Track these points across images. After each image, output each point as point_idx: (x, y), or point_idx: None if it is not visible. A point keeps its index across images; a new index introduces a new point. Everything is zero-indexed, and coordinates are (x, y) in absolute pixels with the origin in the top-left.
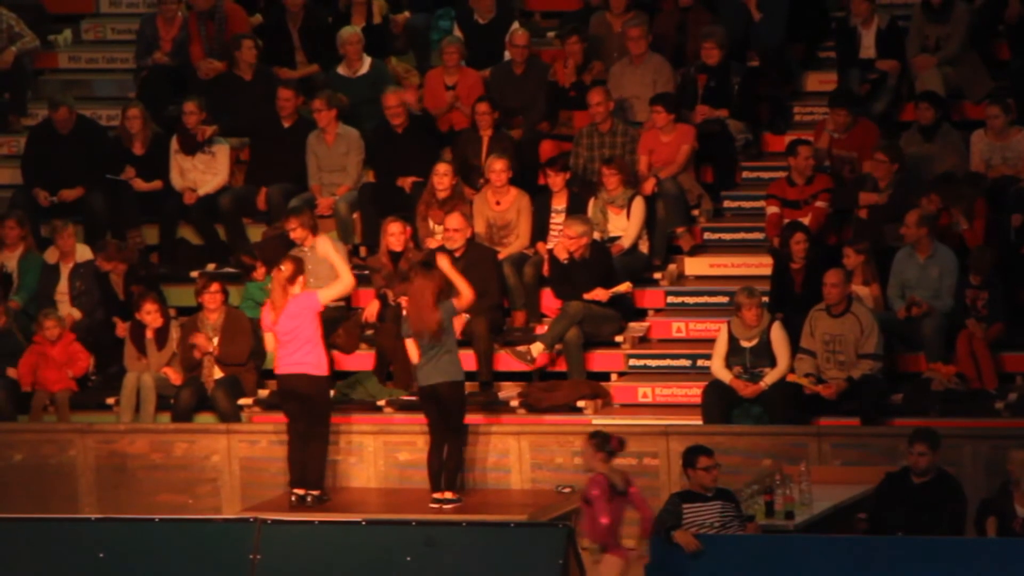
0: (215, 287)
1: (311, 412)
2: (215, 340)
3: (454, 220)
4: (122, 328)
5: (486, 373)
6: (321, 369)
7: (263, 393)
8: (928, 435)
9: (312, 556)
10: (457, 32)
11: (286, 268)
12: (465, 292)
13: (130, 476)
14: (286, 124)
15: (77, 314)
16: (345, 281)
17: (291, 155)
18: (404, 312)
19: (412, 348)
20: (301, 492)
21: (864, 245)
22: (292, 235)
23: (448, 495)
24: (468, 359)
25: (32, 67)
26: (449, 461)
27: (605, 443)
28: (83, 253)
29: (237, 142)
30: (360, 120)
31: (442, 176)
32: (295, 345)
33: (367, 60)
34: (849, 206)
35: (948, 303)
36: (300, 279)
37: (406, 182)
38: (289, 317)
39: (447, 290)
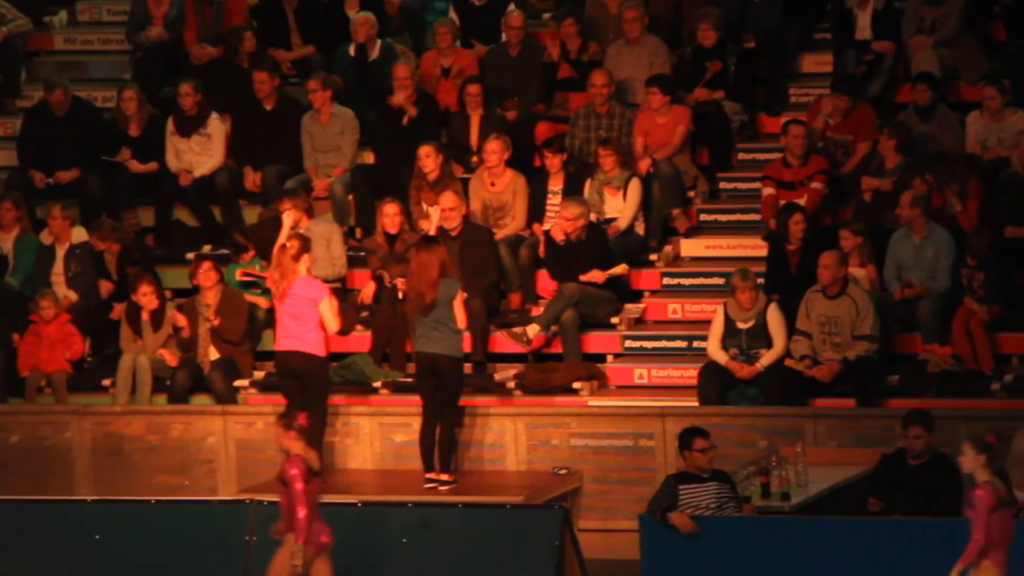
0: (207, 266)
1: (308, 391)
2: (212, 320)
3: (448, 199)
4: (116, 309)
5: (481, 353)
6: (319, 349)
7: (259, 375)
8: (923, 417)
9: None
10: (452, 14)
11: (292, 245)
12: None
13: (126, 458)
14: (267, 106)
15: (73, 296)
16: (331, 327)
17: (276, 137)
18: (400, 293)
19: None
20: None
21: (860, 226)
22: (285, 216)
23: (444, 476)
24: (464, 338)
25: (25, 48)
26: (443, 440)
27: (292, 421)
28: (79, 235)
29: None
30: (372, 102)
31: (425, 159)
32: (295, 323)
33: (377, 43)
34: (851, 189)
35: (944, 284)
36: (305, 257)
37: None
38: (293, 297)
39: (449, 266)
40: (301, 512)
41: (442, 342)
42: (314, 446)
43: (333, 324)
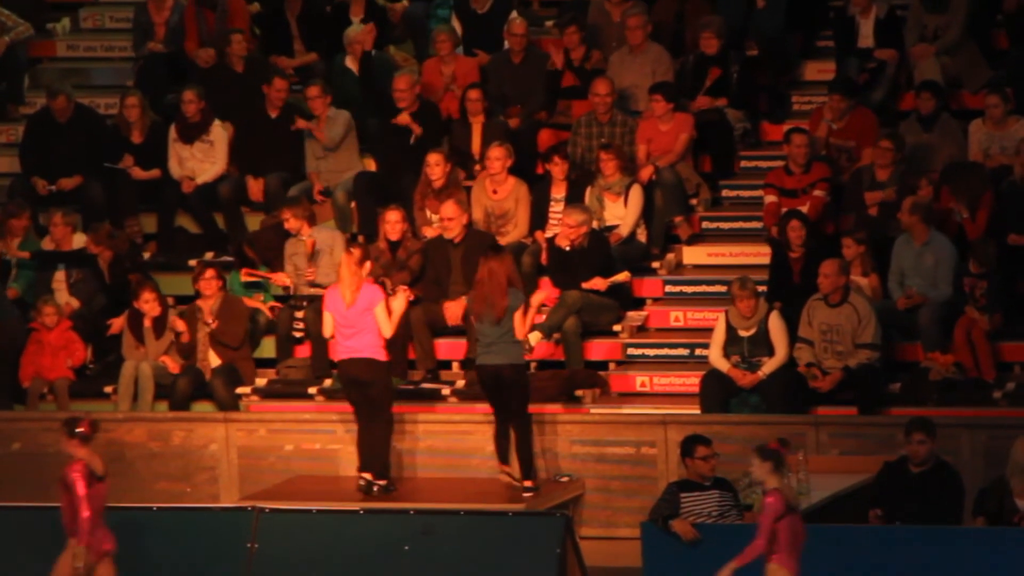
0: (210, 273)
1: (372, 397)
2: (213, 325)
3: (449, 208)
4: (115, 324)
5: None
6: (380, 353)
7: (261, 382)
8: (926, 424)
9: (310, 545)
10: (455, 22)
11: (356, 251)
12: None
13: (128, 465)
14: (273, 114)
15: (75, 303)
16: (386, 332)
17: (280, 145)
18: (470, 295)
19: (328, 322)
20: (369, 477)
21: (863, 235)
22: (287, 225)
23: (527, 483)
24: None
25: (27, 55)
26: (520, 449)
27: (74, 427)
28: (79, 242)
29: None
30: (366, 113)
31: (434, 166)
32: (359, 332)
33: (373, 53)
34: (854, 207)
35: (945, 292)
36: (368, 264)
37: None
38: (360, 301)
39: (515, 277)
40: (84, 514)
41: (503, 354)
42: (383, 452)
43: (387, 329)
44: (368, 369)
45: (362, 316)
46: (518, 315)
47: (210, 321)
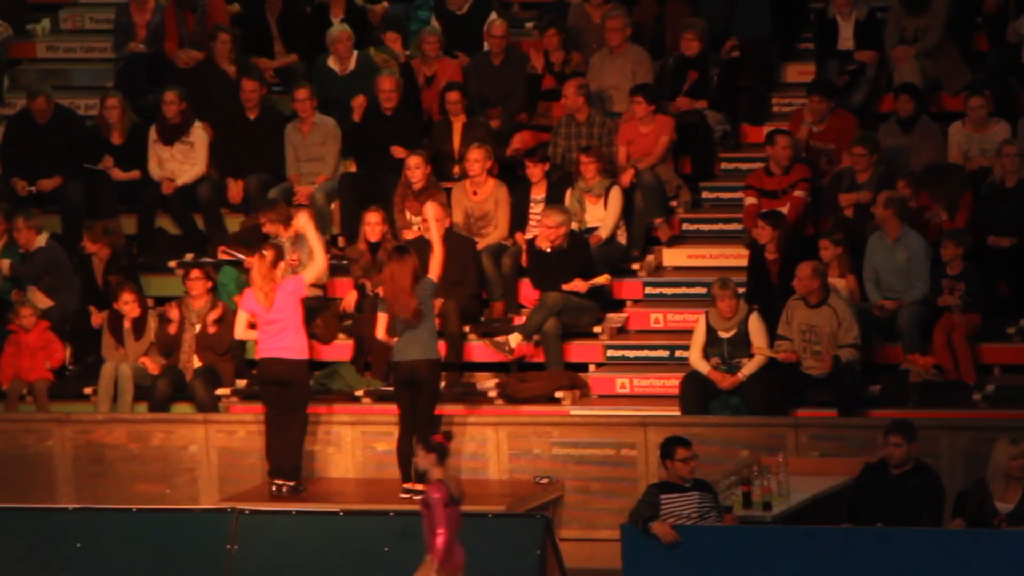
0: (196, 273)
1: (290, 398)
2: (197, 327)
3: (430, 210)
4: (97, 317)
5: (455, 355)
6: (302, 353)
7: (241, 383)
8: (903, 426)
9: (289, 546)
10: (435, 22)
11: (268, 253)
12: (437, 261)
13: (108, 466)
14: (251, 116)
15: (48, 301)
16: (319, 261)
17: (259, 146)
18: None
19: (382, 322)
20: (279, 482)
21: (840, 236)
22: (264, 229)
23: (419, 486)
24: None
25: (7, 56)
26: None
27: (429, 445)
28: (43, 239)
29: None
30: (348, 113)
31: (414, 168)
32: (279, 330)
33: (355, 54)
34: (831, 209)
35: (921, 289)
36: (281, 265)
37: (399, 152)
38: (277, 303)
39: (421, 272)
40: (440, 537)
41: (418, 347)
42: (295, 453)
43: (320, 256)
44: (289, 369)
45: (283, 315)
46: (437, 301)
47: (209, 324)
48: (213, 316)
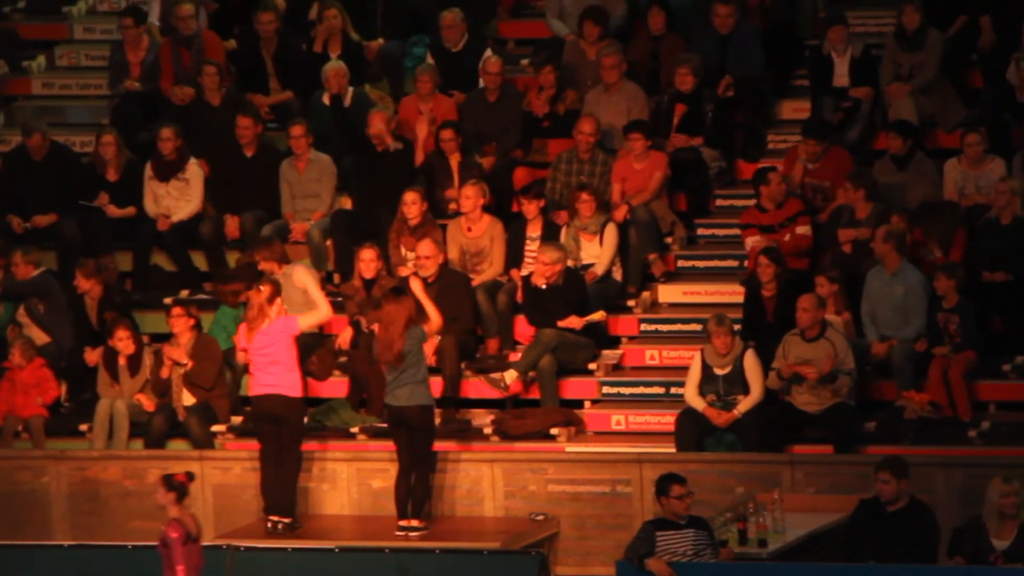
0: (178, 311)
1: (284, 434)
2: (186, 362)
3: (425, 247)
4: (92, 355)
5: (452, 391)
6: (295, 391)
7: (236, 420)
8: (893, 463)
9: None
10: (430, 59)
11: (264, 289)
12: (434, 317)
13: (103, 503)
14: (248, 153)
15: (45, 337)
16: (323, 311)
17: (256, 183)
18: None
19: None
20: (274, 519)
21: (836, 273)
22: (260, 267)
23: (414, 523)
24: (435, 382)
25: (3, 93)
26: (417, 488)
27: (171, 481)
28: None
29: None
30: (343, 150)
31: (411, 205)
32: (270, 366)
33: (350, 91)
34: (829, 244)
35: (916, 327)
36: (278, 301)
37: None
38: (266, 337)
39: (417, 317)
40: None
41: (408, 393)
42: (291, 489)
43: (324, 307)
44: (282, 406)
45: (275, 350)
46: (426, 347)
47: (183, 360)
48: (183, 352)
